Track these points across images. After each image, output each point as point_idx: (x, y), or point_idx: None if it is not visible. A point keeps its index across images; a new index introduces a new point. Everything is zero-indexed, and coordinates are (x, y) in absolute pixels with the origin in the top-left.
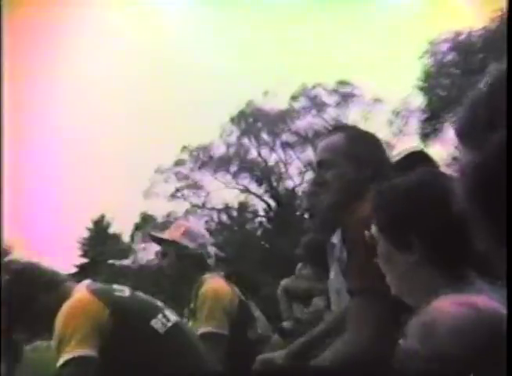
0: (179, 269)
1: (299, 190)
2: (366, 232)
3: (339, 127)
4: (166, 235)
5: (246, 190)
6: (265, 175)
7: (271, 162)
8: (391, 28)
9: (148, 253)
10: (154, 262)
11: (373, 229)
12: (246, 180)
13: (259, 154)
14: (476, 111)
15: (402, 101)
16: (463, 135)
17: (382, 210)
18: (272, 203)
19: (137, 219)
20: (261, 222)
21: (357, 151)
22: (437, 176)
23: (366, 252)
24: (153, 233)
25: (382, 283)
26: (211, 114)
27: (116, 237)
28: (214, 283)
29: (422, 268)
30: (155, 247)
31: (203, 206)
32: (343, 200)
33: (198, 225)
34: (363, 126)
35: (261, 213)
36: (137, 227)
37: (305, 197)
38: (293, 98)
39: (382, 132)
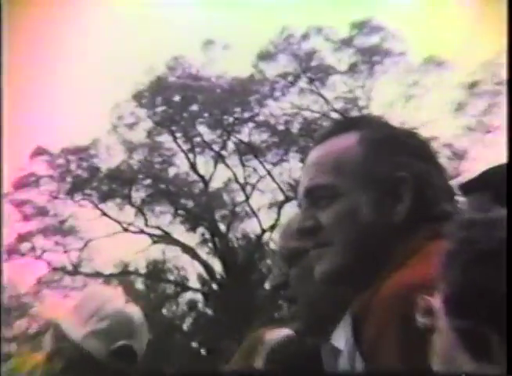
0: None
1: (271, 239)
2: (423, 299)
3: (351, 120)
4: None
5: (164, 238)
6: (203, 207)
7: (216, 182)
8: None
9: None
10: None
11: (435, 301)
12: (165, 218)
13: (192, 166)
14: None
15: (484, 63)
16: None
17: (461, 270)
18: (217, 264)
19: None
20: (192, 304)
21: (383, 169)
22: None
23: (408, 350)
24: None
25: None
26: (95, 84)
27: None
28: None
29: None
30: None
31: (76, 270)
32: (354, 264)
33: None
34: (402, 113)
35: (194, 284)
36: None
37: (280, 257)
38: (264, 55)
39: (441, 126)
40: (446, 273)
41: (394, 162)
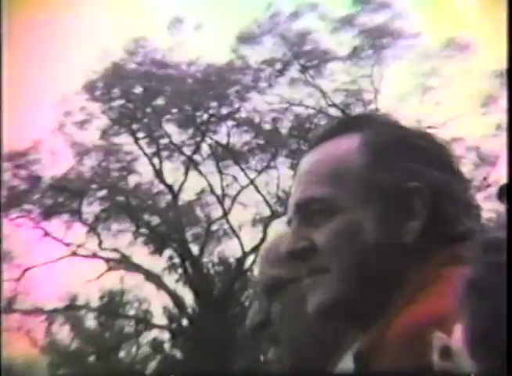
0: None
1: (254, 264)
2: (440, 338)
3: (353, 119)
4: None
5: (123, 262)
6: (171, 225)
7: (187, 194)
8: None
9: None
10: None
11: (456, 341)
12: (123, 237)
13: (158, 174)
14: None
15: None
16: None
17: (487, 302)
18: (188, 295)
19: None
20: (157, 344)
21: (391, 179)
22: None
23: None
24: None
25: None
26: (35, 71)
27: None
28: None
29: None
30: None
31: (10, 307)
32: (357, 294)
33: None
34: (418, 109)
35: (159, 320)
36: None
37: (260, 288)
38: (245, 37)
39: (466, 125)
40: (469, 306)
41: (405, 170)
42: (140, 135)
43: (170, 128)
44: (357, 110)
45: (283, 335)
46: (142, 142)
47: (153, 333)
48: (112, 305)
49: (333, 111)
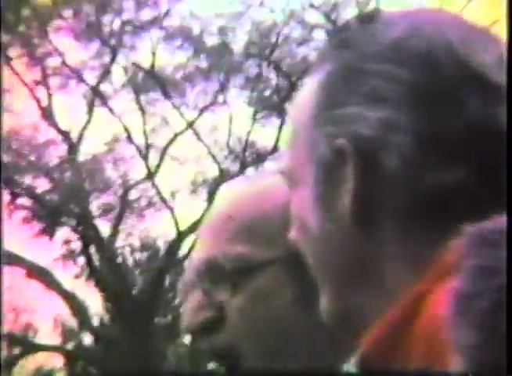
0: None
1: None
2: None
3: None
4: None
5: None
6: (65, 192)
7: (91, 143)
8: None
9: None
10: None
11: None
12: None
13: (45, 113)
14: None
15: None
16: None
17: (480, 324)
18: (93, 298)
19: None
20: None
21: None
22: None
23: None
24: None
25: None
26: None
27: None
28: None
29: None
30: None
31: None
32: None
33: None
34: None
35: (48, 340)
36: None
37: (219, 277)
38: None
39: None
40: (461, 328)
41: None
42: (13, 51)
43: (61, 41)
44: (348, 13)
45: (245, 342)
46: (17, 64)
47: (39, 358)
48: None
49: (311, 16)
